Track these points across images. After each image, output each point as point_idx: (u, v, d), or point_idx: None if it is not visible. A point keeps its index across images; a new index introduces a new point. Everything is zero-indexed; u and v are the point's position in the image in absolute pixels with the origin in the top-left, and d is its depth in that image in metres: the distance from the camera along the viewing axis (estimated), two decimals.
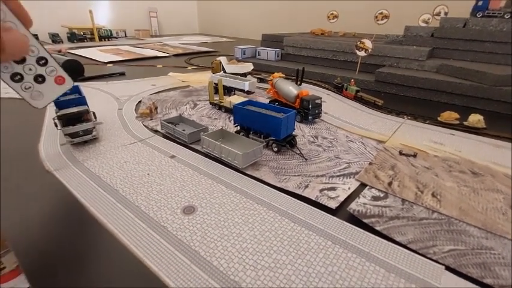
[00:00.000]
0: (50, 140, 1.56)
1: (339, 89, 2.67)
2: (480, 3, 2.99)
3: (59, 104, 1.49)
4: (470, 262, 0.85)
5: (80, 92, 1.70)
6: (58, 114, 1.42)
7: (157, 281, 0.76)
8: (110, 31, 6.68)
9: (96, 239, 0.91)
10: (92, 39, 6.35)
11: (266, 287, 0.74)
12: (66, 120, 1.42)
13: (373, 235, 0.93)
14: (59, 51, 4.63)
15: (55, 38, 5.87)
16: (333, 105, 2.32)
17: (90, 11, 6.09)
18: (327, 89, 2.81)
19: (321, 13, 4.68)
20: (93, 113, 1.53)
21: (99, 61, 4.05)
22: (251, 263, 0.81)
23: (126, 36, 7.33)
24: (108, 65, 3.88)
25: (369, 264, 0.82)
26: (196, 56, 4.83)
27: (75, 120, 1.44)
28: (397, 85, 2.72)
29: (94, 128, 1.51)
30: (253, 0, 7.98)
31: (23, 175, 1.25)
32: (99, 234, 0.92)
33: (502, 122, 2.05)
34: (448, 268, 0.82)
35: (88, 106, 1.55)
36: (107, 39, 6.57)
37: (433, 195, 1.15)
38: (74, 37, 6.07)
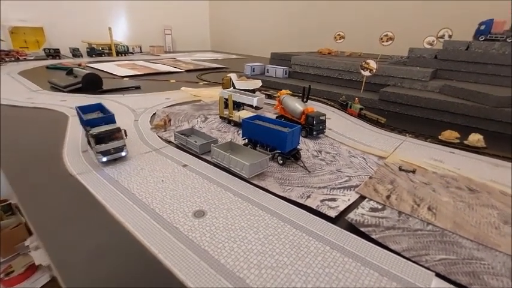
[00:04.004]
0: (73, 147, 1.69)
1: (343, 107, 2.77)
2: (482, 27, 3.10)
3: (90, 122, 1.51)
4: (460, 270, 0.91)
5: (102, 109, 1.76)
6: (91, 132, 1.43)
7: (169, 274, 0.84)
8: (127, 47, 7.03)
9: (115, 235, 1.00)
10: (110, 54, 6.69)
11: (268, 283, 0.82)
12: (98, 138, 1.43)
13: (369, 243, 1.00)
14: (79, 64, 4.90)
15: (75, 52, 6.21)
16: (337, 122, 2.41)
17: (110, 28, 6.47)
18: (332, 106, 2.91)
19: (328, 33, 4.85)
20: (125, 131, 1.53)
21: (116, 75, 4.28)
22: (255, 263, 0.89)
23: (141, 52, 7.69)
24: (125, 78, 4.10)
25: (363, 268, 0.89)
26: (207, 72, 5.05)
27: (107, 138, 1.45)
28: (400, 104, 2.81)
29: (125, 145, 1.52)
30: (264, 9, 8.31)
31: (49, 178, 1.38)
32: (117, 231, 1.02)
33: (502, 142, 2.10)
34: (438, 275, 0.88)
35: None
36: (123, 55, 6.90)
37: (429, 208, 1.22)
38: (93, 52, 6.42)
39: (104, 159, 1.46)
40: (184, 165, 1.52)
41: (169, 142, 1.83)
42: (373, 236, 1.02)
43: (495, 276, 0.90)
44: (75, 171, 1.41)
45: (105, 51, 6.69)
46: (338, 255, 0.94)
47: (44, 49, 5.90)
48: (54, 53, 5.83)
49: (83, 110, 1.71)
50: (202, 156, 1.64)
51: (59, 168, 1.45)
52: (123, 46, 6.96)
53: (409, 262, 0.92)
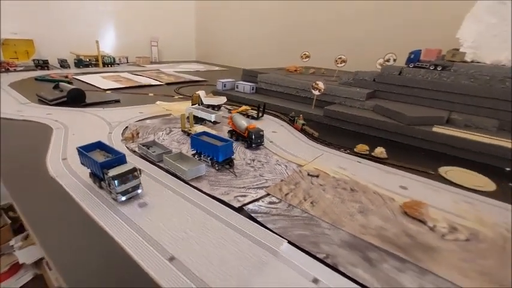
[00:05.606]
0: (55, 155, 2.12)
1: (291, 122, 3.28)
2: (412, 56, 3.69)
3: (105, 165, 1.61)
4: (307, 240, 1.39)
5: (101, 146, 1.86)
6: (111, 175, 1.52)
7: (116, 245, 1.30)
8: (113, 58, 7.45)
9: (84, 226, 1.45)
10: (97, 65, 7.09)
11: (176, 248, 1.28)
12: (117, 180, 1.56)
13: (255, 224, 1.48)
14: (66, 77, 5.31)
15: (63, 63, 6.60)
16: (281, 135, 2.91)
17: (97, 41, 6.88)
18: (284, 120, 3.42)
19: (301, 50, 5.38)
20: (140, 170, 1.67)
21: (99, 88, 4.71)
22: (172, 236, 1.36)
23: (127, 62, 8.11)
24: (107, 91, 4.53)
25: (243, 238, 1.37)
26: (186, 85, 5.52)
27: (125, 178, 1.59)
28: (340, 120, 3.33)
29: (140, 183, 1.62)
30: (248, 24, 8.88)
31: (33, 179, 1.81)
32: (86, 222, 1.46)
33: (404, 154, 2.63)
34: (290, 242, 1.36)
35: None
36: (110, 66, 7.31)
37: (311, 202, 1.71)
38: (81, 63, 6.81)
39: (123, 198, 1.55)
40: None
41: (134, 152, 2.29)
42: (259, 219, 1.50)
43: (329, 244, 1.38)
44: (54, 174, 1.85)
45: (92, 62, 7.09)
46: (231, 231, 1.41)
47: (33, 60, 6.26)
48: (43, 64, 6.20)
49: (86, 149, 1.78)
50: (159, 164, 2.10)
51: (42, 171, 1.88)
52: (110, 57, 7.37)
53: (275, 235, 1.40)
